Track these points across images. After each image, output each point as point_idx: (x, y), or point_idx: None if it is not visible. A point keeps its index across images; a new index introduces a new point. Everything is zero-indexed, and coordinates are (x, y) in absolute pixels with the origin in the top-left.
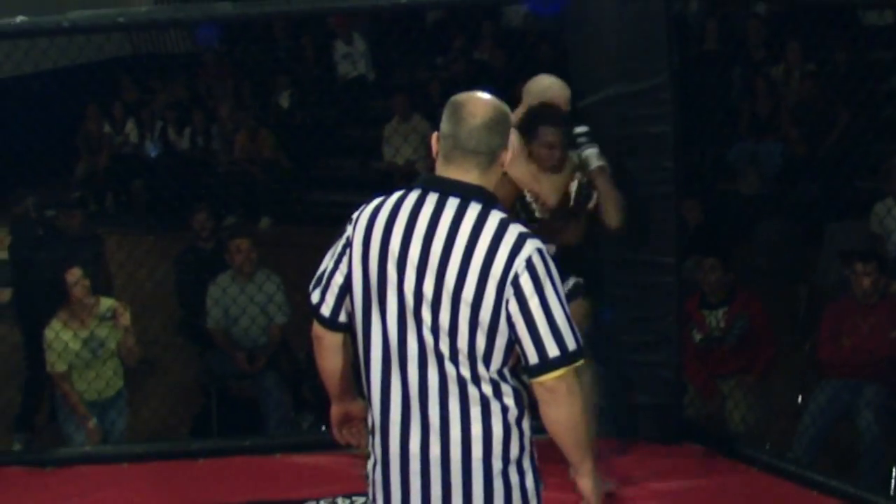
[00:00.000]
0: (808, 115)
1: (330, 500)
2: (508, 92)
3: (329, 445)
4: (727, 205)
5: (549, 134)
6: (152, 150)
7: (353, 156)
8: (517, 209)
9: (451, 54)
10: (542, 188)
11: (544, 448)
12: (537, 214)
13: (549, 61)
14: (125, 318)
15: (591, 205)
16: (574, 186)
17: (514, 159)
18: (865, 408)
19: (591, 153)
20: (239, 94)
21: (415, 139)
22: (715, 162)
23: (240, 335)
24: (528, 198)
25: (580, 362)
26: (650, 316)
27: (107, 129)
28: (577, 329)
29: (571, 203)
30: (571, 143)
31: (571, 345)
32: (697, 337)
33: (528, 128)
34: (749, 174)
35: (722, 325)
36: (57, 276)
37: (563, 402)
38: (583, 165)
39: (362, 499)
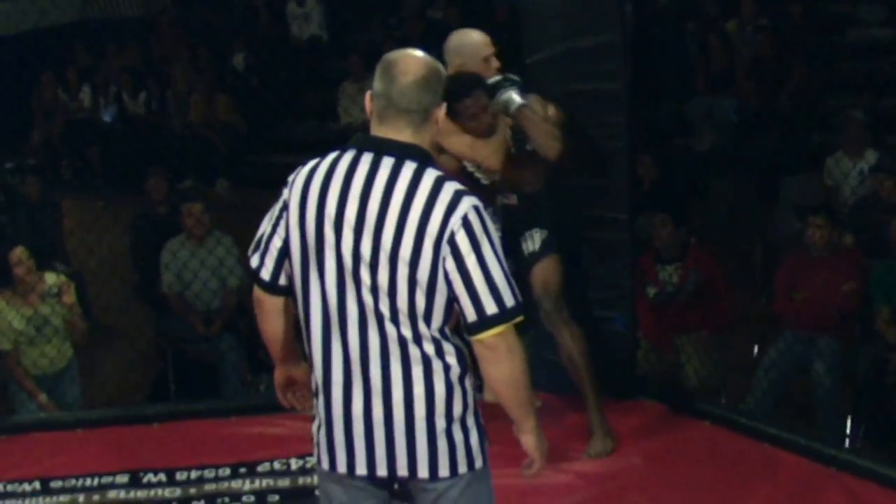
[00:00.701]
0: (763, 70)
1: (284, 461)
2: None
3: (285, 408)
4: (683, 161)
5: (468, 106)
6: (107, 116)
7: (309, 117)
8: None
9: (405, 13)
10: (481, 154)
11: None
12: (484, 182)
13: (503, 19)
14: (70, 295)
15: (529, 146)
16: (508, 134)
17: (446, 134)
18: (819, 361)
19: (508, 96)
20: (193, 58)
21: None
22: (671, 118)
23: (193, 299)
24: (470, 167)
25: (520, 318)
26: (604, 272)
27: (61, 95)
28: (515, 286)
29: (512, 151)
30: (491, 96)
31: (510, 301)
32: (651, 292)
33: (450, 101)
34: (704, 130)
35: (675, 280)
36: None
37: (504, 360)
38: (505, 111)
39: (315, 460)
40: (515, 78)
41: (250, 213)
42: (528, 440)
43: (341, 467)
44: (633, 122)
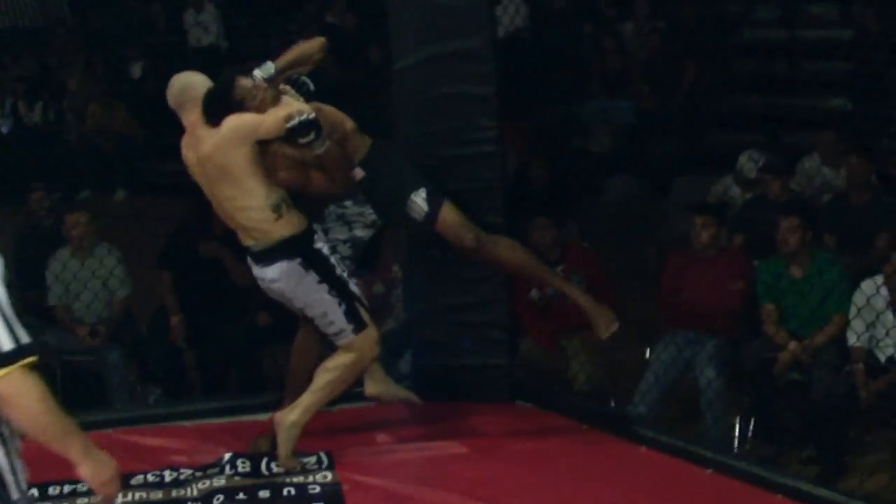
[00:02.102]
0: (658, 71)
1: (157, 473)
2: (361, 55)
3: (170, 418)
4: (577, 162)
5: (241, 89)
6: (3, 127)
7: None
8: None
9: (302, 19)
10: (290, 109)
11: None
12: (303, 140)
13: None
14: None
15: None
16: (291, 90)
17: (251, 128)
18: (705, 360)
19: (259, 70)
20: (90, 66)
21: None
22: (566, 120)
23: (82, 310)
24: (292, 148)
25: (26, 361)
26: (477, 276)
27: None
28: (18, 328)
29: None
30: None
31: (7, 346)
32: (535, 296)
33: (222, 107)
34: (600, 132)
35: None
36: None
37: (12, 404)
38: (270, 80)
39: (189, 471)
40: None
41: (148, 221)
42: (83, 471)
43: None
44: (501, 125)
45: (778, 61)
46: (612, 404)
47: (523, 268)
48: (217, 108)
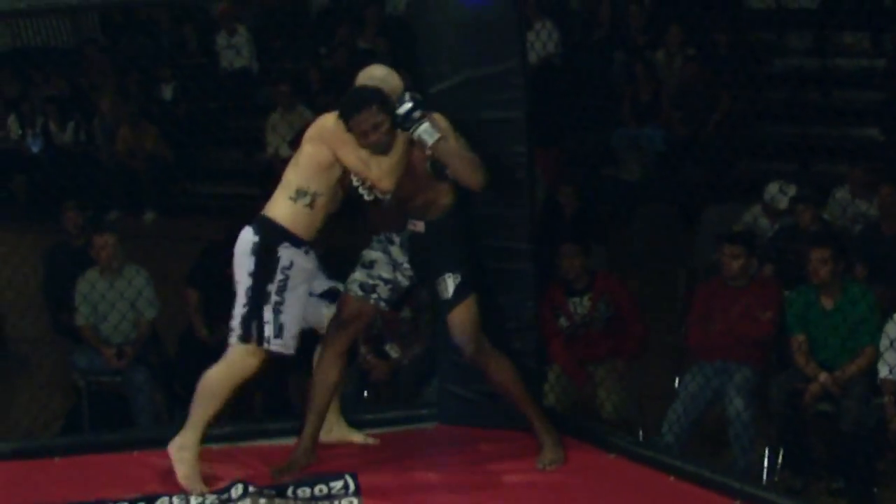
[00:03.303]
0: (690, 99)
1: (183, 497)
2: None
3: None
4: (607, 190)
5: (360, 122)
6: (34, 146)
7: (238, 147)
8: (353, 196)
9: (335, 43)
10: (374, 173)
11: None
12: (366, 198)
13: None
14: None
15: (450, 175)
16: (427, 166)
17: (341, 144)
18: (734, 392)
19: (423, 131)
20: (122, 87)
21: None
22: (597, 147)
23: (110, 331)
24: (355, 182)
25: None
26: (506, 303)
27: None
28: None
29: (428, 171)
30: (398, 124)
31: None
32: (564, 324)
33: (345, 115)
34: (630, 159)
35: (585, 311)
36: None
37: None
38: (421, 145)
39: (213, 497)
40: (419, 97)
41: (177, 243)
42: None
43: None
44: (533, 151)
45: (810, 90)
46: (640, 433)
47: (506, 391)
48: (342, 108)
